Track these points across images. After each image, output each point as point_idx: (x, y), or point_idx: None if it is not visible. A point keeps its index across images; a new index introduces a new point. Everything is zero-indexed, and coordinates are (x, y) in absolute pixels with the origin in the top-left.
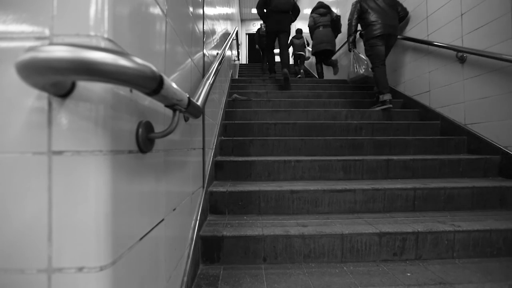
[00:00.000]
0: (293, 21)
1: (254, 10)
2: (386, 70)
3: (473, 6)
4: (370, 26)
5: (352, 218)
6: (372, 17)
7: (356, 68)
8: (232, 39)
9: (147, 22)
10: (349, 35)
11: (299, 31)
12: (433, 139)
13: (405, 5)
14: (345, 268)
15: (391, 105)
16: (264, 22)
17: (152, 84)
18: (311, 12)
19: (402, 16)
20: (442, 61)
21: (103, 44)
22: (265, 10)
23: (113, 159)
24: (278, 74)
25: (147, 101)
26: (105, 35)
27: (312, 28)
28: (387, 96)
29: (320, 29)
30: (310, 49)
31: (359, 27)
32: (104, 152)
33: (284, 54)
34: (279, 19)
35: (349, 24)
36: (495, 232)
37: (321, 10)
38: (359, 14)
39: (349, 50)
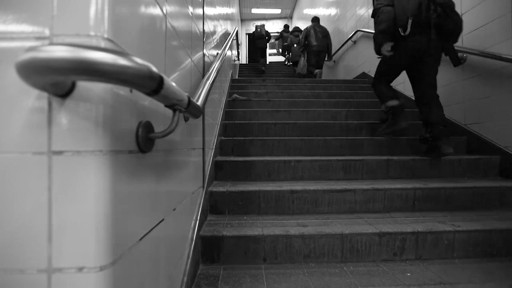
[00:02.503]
0: (268, 41)
1: (254, 10)
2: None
3: (473, 6)
4: (309, 45)
5: (352, 218)
6: (312, 39)
7: (301, 68)
8: (232, 39)
9: (147, 22)
10: (300, 47)
11: (286, 26)
12: None
13: None
14: (345, 268)
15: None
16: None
17: (152, 84)
18: (290, 34)
19: (330, 44)
20: (442, 61)
21: (103, 44)
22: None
23: (113, 159)
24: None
25: (147, 101)
26: (105, 35)
27: (290, 45)
28: (317, 71)
29: (295, 46)
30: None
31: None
32: (104, 152)
33: (263, 60)
34: (259, 42)
35: (300, 40)
36: (495, 232)
37: (296, 33)
38: (306, 36)
39: (299, 55)
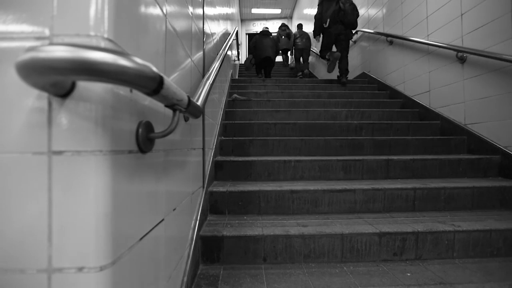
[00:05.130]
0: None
1: (254, 10)
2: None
3: (473, 6)
4: (296, 45)
5: (352, 218)
6: (297, 40)
7: (290, 62)
8: (232, 39)
9: (147, 22)
10: (290, 47)
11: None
12: (433, 139)
13: (404, 4)
14: (345, 268)
15: (301, 76)
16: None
17: (152, 84)
18: (278, 29)
19: (310, 44)
20: (442, 61)
21: (103, 44)
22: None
23: (113, 159)
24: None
25: (147, 101)
26: (105, 35)
27: (279, 37)
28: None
29: (282, 38)
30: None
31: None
32: (104, 152)
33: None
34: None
35: (290, 42)
36: (495, 232)
37: (283, 27)
38: (294, 39)
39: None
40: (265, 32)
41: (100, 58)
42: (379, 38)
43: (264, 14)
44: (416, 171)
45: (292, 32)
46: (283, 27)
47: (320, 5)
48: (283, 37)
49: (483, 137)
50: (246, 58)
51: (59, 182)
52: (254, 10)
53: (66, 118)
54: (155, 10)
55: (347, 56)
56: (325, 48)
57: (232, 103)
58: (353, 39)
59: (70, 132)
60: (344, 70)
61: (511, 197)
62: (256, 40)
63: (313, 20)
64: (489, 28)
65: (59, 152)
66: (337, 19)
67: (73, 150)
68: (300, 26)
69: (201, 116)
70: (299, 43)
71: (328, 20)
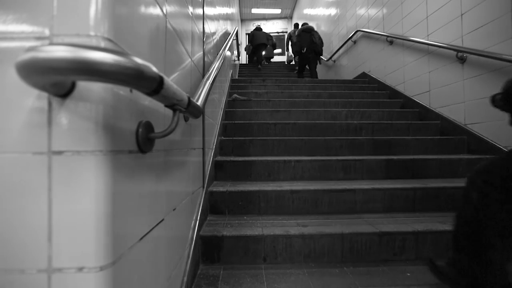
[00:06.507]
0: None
1: (254, 10)
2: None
3: (473, 6)
4: (292, 42)
5: (352, 218)
6: (293, 38)
7: (287, 59)
8: (232, 39)
9: (147, 22)
10: (286, 44)
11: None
12: (433, 139)
13: (404, 4)
14: (345, 268)
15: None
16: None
17: (152, 84)
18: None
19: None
20: (442, 61)
21: (103, 44)
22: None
23: (113, 159)
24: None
25: (147, 101)
26: (105, 35)
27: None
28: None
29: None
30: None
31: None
32: (104, 152)
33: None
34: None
35: (286, 40)
36: None
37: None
38: (289, 37)
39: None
40: (259, 28)
41: (100, 58)
42: (379, 38)
43: (264, 14)
44: (416, 171)
45: (276, 43)
46: (269, 37)
47: (298, 36)
48: (268, 46)
49: (483, 137)
50: (246, 45)
51: (59, 182)
52: (254, 10)
53: (66, 118)
54: (155, 10)
55: (316, 69)
56: (301, 65)
57: (232, 103)
58: (353, 39)
59: (70, 132)
60: (314, 73)
61: None
62: (253, 33)
63: (312, 21)
64: (489, 28)
65: (59, 152)
66: (311, 49)
67: (73, 150)
68: (296, 26)
69: (201, 116)
70: (295, 41)
71: (305, 48)
